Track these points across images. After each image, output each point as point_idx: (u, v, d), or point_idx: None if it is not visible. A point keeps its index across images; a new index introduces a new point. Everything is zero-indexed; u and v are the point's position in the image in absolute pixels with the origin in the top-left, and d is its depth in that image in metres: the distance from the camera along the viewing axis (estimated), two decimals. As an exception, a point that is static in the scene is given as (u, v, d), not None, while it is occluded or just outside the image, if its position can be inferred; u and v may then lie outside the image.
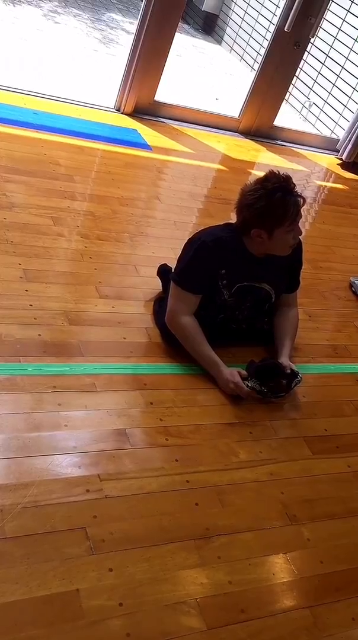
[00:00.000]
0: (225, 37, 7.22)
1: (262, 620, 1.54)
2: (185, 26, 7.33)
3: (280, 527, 1.78)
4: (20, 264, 2.38)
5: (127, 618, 1.43)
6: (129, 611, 1.44)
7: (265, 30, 6.31)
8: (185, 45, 6.62)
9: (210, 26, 7.53)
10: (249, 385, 2.12)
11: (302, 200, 2.12)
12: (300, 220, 2.20)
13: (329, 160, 4.75)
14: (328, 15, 5.20)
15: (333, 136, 5.20)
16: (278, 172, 2.11)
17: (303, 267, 2.44)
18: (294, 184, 2.12)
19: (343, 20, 5.43)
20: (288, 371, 2.21)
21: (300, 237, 2.24)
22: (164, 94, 4.22)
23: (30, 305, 2.21)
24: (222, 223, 2.30)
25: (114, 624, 1.41)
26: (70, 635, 1.36)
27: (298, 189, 2.15)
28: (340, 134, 5.07)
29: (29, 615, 1.36)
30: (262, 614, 1.55)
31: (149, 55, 3.92)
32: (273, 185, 2.07)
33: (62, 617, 1.38)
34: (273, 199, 2.06)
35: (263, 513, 1.81)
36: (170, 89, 4.39)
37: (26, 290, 2.27)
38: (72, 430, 1.82)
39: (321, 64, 5.72)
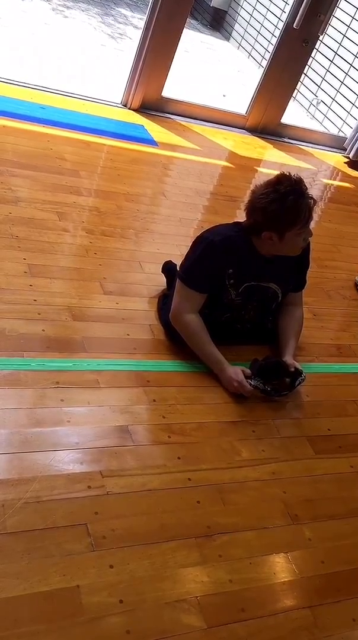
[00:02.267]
0: (234, 34, 7.20)
1: (262, 619, 1.54)
2: (194, 22, 7.31)
3: (282, 527, 1.78)
4: (25, 259, 2.38)
5: (127, 615, 1.43)
6: (129, 608, 1.44)
7: (274, 27, 6.28)
8: (193, 41, 6.60)
9: (218, 22, 7.50)
10: (252, 383, 2.12)
11: (312, 202, 2.11)
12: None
13: (336, 159, 4.73)
14: (337, 13, 5.17)
15: (341, 134, 5.18)
16: (290, 175, 2.09)
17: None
18: (306, 187, 2.10)
19: (353, 17, 5.41)
20: (292, 370, 2.20)
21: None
22: (171, 89, 4.21)
23: (35, 300, 2.21)
24: (231, 222, 2.29)
25: (114, 621, 1.41)
26: (70, 632, 1.36)
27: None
28: (348, 132, 5.04)
29: (29, 611, 1.36)
30: (263, 613, 1.55)
31: (156, 51, 3.91)
32: (285, 188, 2.05)
33: (62, 613, 1.38)
34: (285, 202, 2.04)
35: (264, 512, 1.80)
36: (177, 85, 4.38)
37: (30, 285, 2.27)
38: (75, 426, 1.82)
39: (329, 62, 5.70)
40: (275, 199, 2.05)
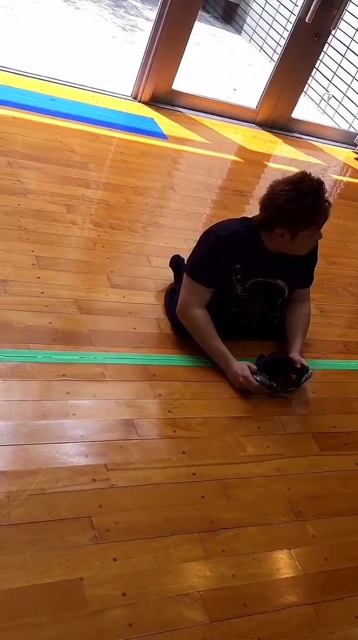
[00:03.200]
0: (245, 27, 7.15)
1: (265, 615, 1.54)
2: (205, 14, 7.26)
3: (286, 523, 1.78)
4: (33, 251, 2.38)
5: (129, 608, 1.43)
6: (131, 601, 1.44)
7: (286, 21, 6.24)
8: (204, 34, 6.56)
9: (230, 15, 7.46)
10: (258, 379, 2.11)
11: (329, 206, 2.10)
12: None
13: (346, 154, 4.71)
14: (350, 7, 5.12)
15: (352, 130, 5.15)
16: (312, 176, 2.08)
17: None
18: (326, 190, 2.09)
19: (366, 12, 5.36)
20: (299, 366, 2.20)
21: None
22: (181, 83, 4.19)
23: (42, 292, 2.21)
24: (239, 217, 2.28)
25: (117, 614, 1.41)
26: (72, 624, 1.36)
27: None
28: (359, 127, 5.02)
29: (32, 602, 1.37)
30: (265, 609, 1.55)
31: (167, 44, 3.89)
32: (307, 188, 2.04)
33: (65, 605, 1.39)
34: (304, 203, 2.03)
35: (268, 508, 1.80)
36: (188, 78, 4.36)
37: (38, 278, 2.27)
38: (80, 419, 1.83)
39: (341, 57, 5.66)
40: (294, 197, 2.04)
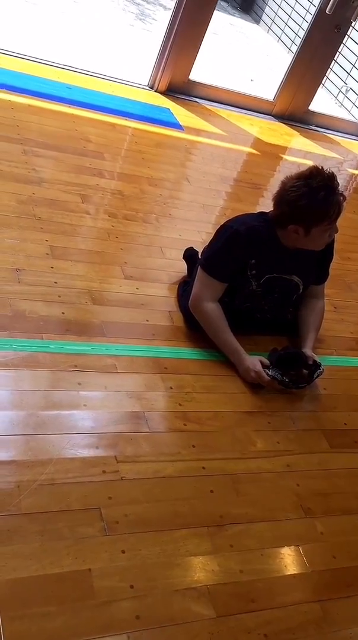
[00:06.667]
0: (264, 17, 7.08)
1: (271, 611, 1.54)
2: (224, 4, 7.20)
3: (294, 519, 1.78)
4: (47, 240, 2.38)
5: (137, 600, 1.44)
6: (139, 594, 1.45)
7: (305, 11, 6.17)
8: (222, 24, 6.50)
9: (249, 4, 7.38)
10: (270, 374, 2.10)
11: (343, 199, 2.08)
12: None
13: (363, 148, 4.66)
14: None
15: (369, 123, 5.10)
16: (323, 169, 2.06)
17: (332, 258, 2.40)
18: (338, 183, 2.07)
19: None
20: (311, 362, 2.19)
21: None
22: (198, 73, 4.16)
23: (55, 282, 2.21)
24: (256, 212, 2.26)
25: (124, 606, 1.42)
26: (80, 614, 1.37)
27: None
28: (376, 121, 4.96)
29: (40, 592, 1.38)
30: (272, 604, 1.55)
31: (185, 33, 3.86)
32: (318, 183, 2.02)
33: (73, 595, 1.40)
34: (316, 198, 2.01)
35: (278, 504, 1.80)
36: (205, 68, 4.32)
37: (52, 267, 2.27)
38: (91, 411, 1.83)
39: (361, 49, 5.59)
40: (305, 193, 2.02)
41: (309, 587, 1.64)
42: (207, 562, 1.58)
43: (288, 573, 1.65)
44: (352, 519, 1.85)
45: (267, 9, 7.04)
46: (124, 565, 1.49)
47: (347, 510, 1.87)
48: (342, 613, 1.60)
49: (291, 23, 6.52)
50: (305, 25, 4.46)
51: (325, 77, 5.07)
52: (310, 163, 2.15)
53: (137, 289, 2.35)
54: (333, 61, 5.18)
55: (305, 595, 1.61)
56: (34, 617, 1.33)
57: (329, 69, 5.08)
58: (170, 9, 3.99)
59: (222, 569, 1.58)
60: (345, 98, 5.76)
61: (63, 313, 2.10)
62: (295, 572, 1.66)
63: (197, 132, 3.83)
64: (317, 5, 4.21)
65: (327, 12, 4.06)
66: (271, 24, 6.91)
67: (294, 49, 4.61)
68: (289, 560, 1.68)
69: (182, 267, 2.51)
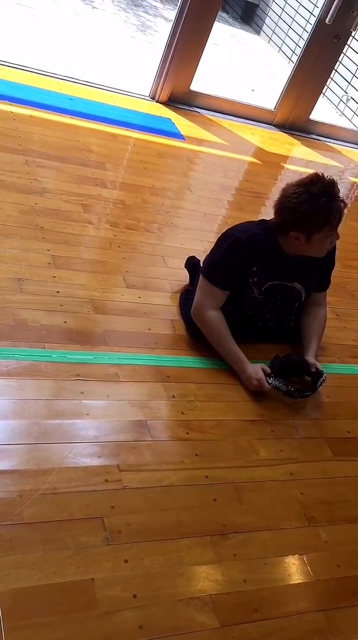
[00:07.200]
0: (264, 27, 7.13)
1: (275, 620, 1.53)
2: (224, 15, 7.25)
3: (298, 528, 1.77)
4: (49, 250, 2.39)
5: (140, 610, 1.43)
6: (142, 603, 1.44)
7: (305, 22, 6.21)
8: (223, 35, 6.55)
9: (249, 15, 7.43)
10: (271, 382, 2.10)
11: (343, 205, 2.08)
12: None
13: (364, 157, 4.67)
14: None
15: (370, 132, 5.11)
16: (324, 176, 2.06)
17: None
18: (339, 189, 2.07)
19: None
20: (313, 370, 2.18)
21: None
22: (199, 83, 4.18)
23: (57, 292, 2.21)
24: (257, 219, 2.27)
25: (127, 616, 1.41)
26: (83, 624, 1.36)
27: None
28: (377, 130, 4.98)
29: (43, 602, 1.37)
30: (276, 614, 1.54)
31: (186, 44, 3.88)
32: (318, 190, 2.02)
33: (76, 605, 1.39)
34: (317, 204, 2.02)
35: (281, 513, 1.79)
36: (206, 79, 4.35)
37: (54, 277, 2.27)
38: (94, 420, 1.83)
39: (361, 58, 5.62)
40: (306, 199, 2.02)
41: (313, 596, 1.63)
42: (211, 571, 1.57)
43: (292, 582, 1.64)
44: (356, 528, 1.84)
45: (267, 20, 7.08)
46: (126, 575, 1.48)
47: (351, 518, 1.86)
48: (347, 622, 1.59)
49: (291, 33, 6.55)
50: (306, 36, 4.48)
51: (325, 87, 5.09)
52: (311, 172, 2.15)
53: (139, 297, 2.36)
54: (334, 70, 5.20)
55: (309, 605, 1.60)
56: (37, 627, 1.33)
57: (330, 79, 5.11)
58: (171, 21, 4.02)
59: (226, 578, 1.57)
60: (346, 107, 5.78)
61: (65, 322, 2.11)
62: (299, 581, 1.65)
63: (199, 141, 3.84)
64: (317, 16, 4.23)
65: (326, 22, 4.09)
66: (271, 35, 6.95)
67: (295, 59, 4.64)
68: (293, 570, 1.67)
69: (184, 276, 2.51)
